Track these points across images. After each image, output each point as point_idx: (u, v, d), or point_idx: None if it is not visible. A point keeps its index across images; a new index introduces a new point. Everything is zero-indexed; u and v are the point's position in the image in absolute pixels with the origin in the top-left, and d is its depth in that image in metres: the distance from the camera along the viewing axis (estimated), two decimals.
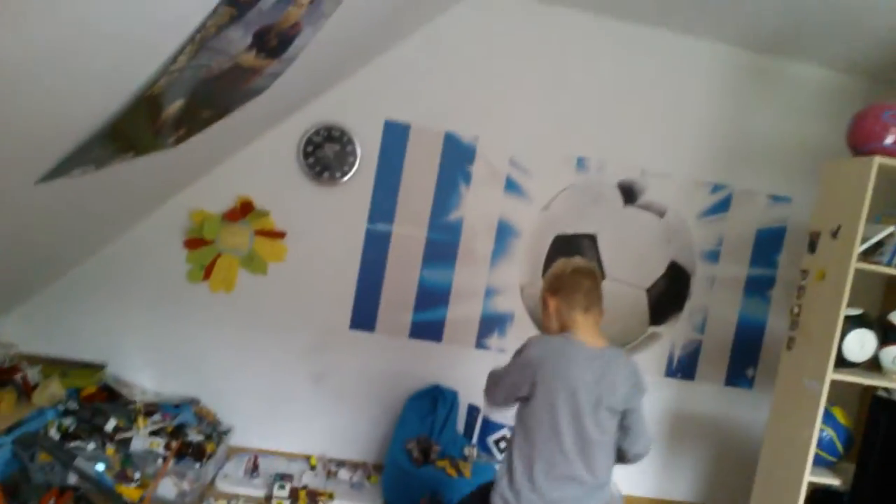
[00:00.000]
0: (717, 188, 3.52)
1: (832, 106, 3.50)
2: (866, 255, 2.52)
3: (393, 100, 3.31)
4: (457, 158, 3.37)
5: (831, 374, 2.51)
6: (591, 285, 2.04)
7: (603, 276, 3.44)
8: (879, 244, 2.51)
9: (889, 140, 2.39)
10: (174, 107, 2.00)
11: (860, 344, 2.52)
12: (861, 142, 2.46)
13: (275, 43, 1.94)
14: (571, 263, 2.09)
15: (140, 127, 1.99)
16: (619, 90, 3.43)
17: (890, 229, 2.48)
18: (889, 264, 2.49)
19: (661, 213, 3.49)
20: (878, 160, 2.39)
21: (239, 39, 1.78)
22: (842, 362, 2.55)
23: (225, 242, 3.27)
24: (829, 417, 2.60)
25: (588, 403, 1.87)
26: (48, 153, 1.84)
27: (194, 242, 3.25)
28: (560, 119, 3.41)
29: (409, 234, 3.38)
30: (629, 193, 3.47)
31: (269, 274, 3.32)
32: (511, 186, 3.42)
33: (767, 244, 3.58)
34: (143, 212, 3.19)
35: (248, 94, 2.30)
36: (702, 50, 3.44)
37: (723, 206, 3.54)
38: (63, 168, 1.93)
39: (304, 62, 2.33)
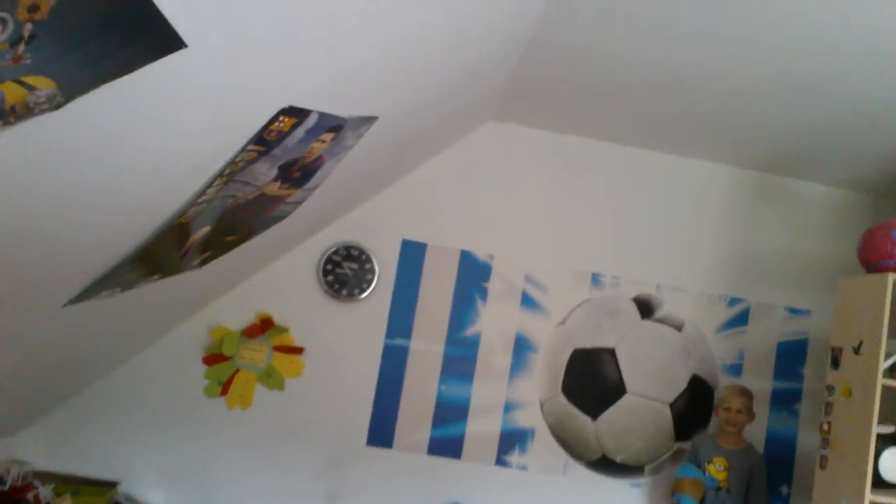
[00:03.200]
0: (733, 301, 3.52)
1: (840, 221, 3.55)
2: (892, 372, 2.48)
3: (410, 220, 3.42)
4: (472, 275, 3.43)
5: (869, 496, 2.40)
6: None
7: (624, 391, 3.40)
8: None
9: None
10: (201, 233, 2.10)
11: None
12: (873, 259, 2.48)
13: (299, 174, 2.05)
14: None
15: (168, 252, 2.07)
16: (630, 209, 3.52)
17: None
18: None
19: (678, 327, 3.48)
20: (892, 277, 2.40)
21: (265, 172, 1.89)
22: (879, 482, 2.44)
23: (244, 358, 3.29)
24: None
25: None
26: (79, 278, 1.92)
27: (213, 358, 3.28)
28: (574, 237, 3.48)
29: (427, 349, 3.39)
30: (645, 308, 3.47)
31: (287, 390, 3.32)
32: (527, 302, 3.45)
33: (790, 357, 3.53)
34: (164, 329, 3.25)
35: (272, 220, 2.41)
36: (710, 171, 3.55)
37: (741, 320, 3.52)
38: (91, 291, 2.00)
39: (325, 189, 2.45)
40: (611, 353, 3.42)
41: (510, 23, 2.16)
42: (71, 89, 1.05)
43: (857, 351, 2.52)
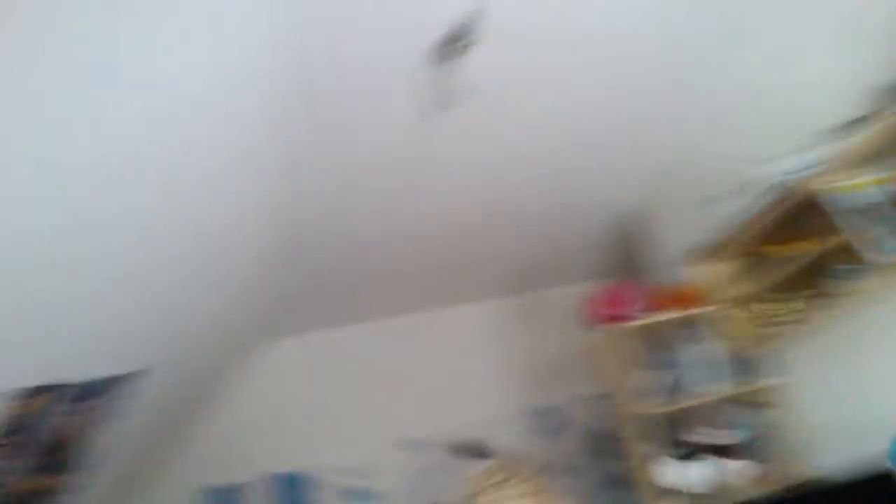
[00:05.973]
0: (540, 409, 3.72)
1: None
2: None
3: (216, 466, 3.27)
4: (298, 496, 3.32)
5: None
6: None
7: None
8: None
9: None
10: None
11: None
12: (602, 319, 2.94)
13: (69, 455, 1.95)
14: None
15: None
16: (423, 370, 3.71)
17: None
18: None
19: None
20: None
21: (25, 463, 1.78)
22: None
23: None
24: None
25: None
26: None
27: None
28: (381, 413, 3.55)
29: None
30: (467, 450, 3.53)
31: None
32: (359, 498, 3.37)
33: None
34: None
35: None
36: (480, 310, 3.91)
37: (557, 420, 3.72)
38: None
39: (113, 463, 2.31)
40: None
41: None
42: None
43: None
